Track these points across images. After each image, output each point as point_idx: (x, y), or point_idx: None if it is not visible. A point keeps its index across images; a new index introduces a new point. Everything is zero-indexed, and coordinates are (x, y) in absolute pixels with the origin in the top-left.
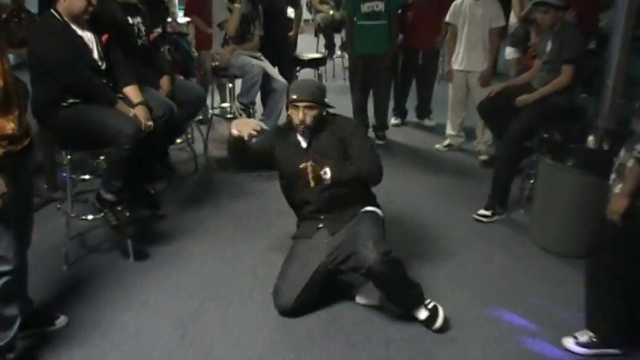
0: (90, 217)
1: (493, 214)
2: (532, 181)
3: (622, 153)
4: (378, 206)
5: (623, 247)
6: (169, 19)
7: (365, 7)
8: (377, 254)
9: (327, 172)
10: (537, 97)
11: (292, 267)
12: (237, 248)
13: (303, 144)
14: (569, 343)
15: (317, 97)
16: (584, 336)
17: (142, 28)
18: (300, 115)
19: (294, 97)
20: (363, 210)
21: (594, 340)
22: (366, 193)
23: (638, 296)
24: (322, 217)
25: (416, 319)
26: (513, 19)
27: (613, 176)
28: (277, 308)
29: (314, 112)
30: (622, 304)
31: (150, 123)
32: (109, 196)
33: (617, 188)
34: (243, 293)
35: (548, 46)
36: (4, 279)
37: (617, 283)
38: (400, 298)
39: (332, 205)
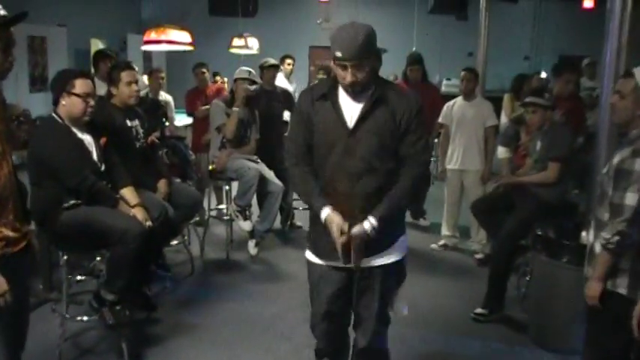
0: (85, 318)
1: (490, 313)
2: (528, 279)
3: (591, 238)
4: (404, 231)
5: (606, 324)
6: (167, 123)
7: None
8: (366, 343)
9: (370, 223)
10: (520, 183)
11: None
12: (233, 352)
13: (349, 123)
14: None
15: (367, 50)
16: None
17: (140, 131)
18: (349, 77)
19: (338, 54)
20: (389, 260)
21: None
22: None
23: None
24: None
25: None
26: (504, 118)
27: (586, 262)
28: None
29: (366, 69)
30: None
31: (149, 223)
32: (110, 297)
33: (590, 273)
34: None
35: (538, 145)
36: None
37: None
38: None
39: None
